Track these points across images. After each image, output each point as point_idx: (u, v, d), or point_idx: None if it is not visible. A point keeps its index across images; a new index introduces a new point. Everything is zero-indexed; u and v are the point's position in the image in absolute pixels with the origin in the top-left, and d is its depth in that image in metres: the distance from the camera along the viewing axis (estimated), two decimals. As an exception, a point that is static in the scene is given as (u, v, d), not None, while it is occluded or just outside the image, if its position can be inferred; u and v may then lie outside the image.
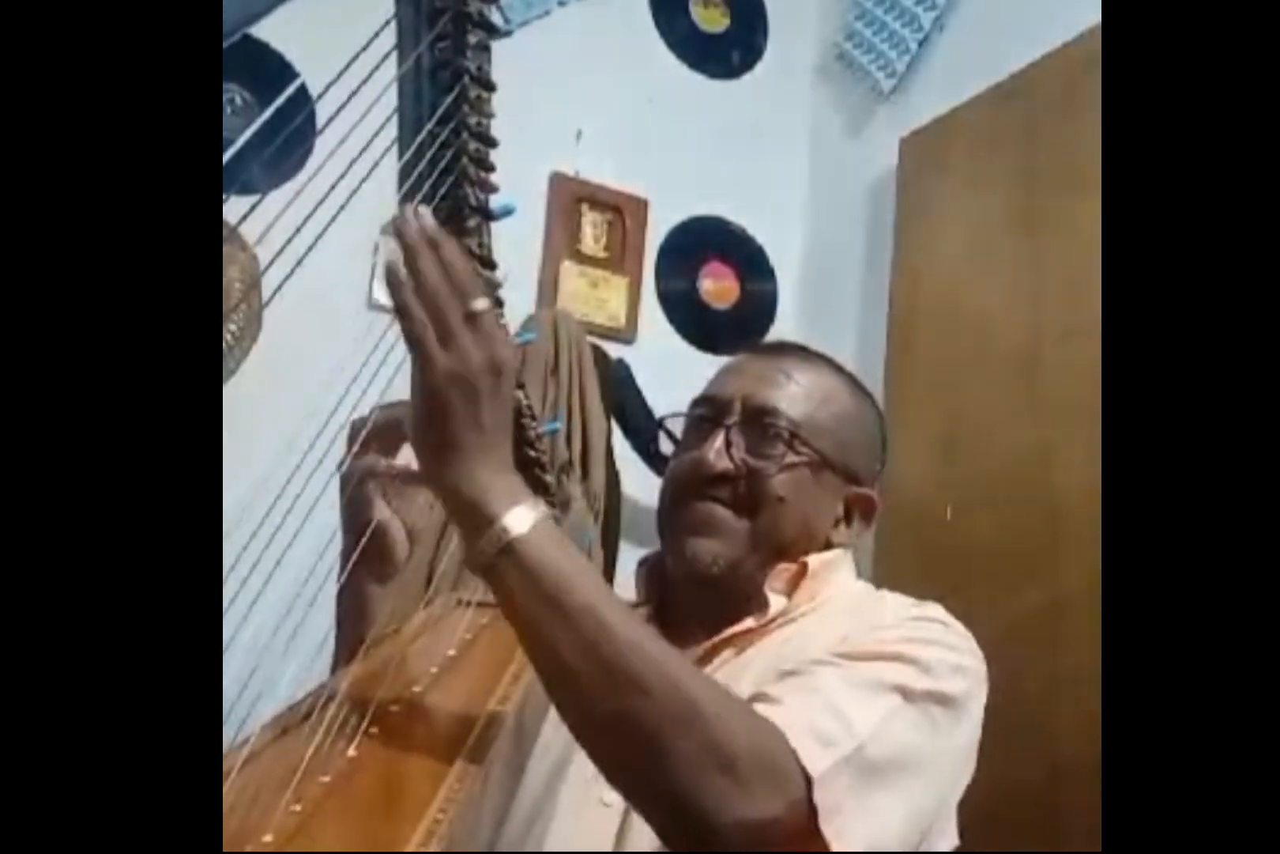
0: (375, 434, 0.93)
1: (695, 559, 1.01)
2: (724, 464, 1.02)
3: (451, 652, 0.96)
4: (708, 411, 1.06)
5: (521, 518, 0.74)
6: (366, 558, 0.93)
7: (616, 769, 0.77)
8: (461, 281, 0.74)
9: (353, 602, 0.99)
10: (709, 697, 0.76)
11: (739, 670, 0.97)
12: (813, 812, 0.77)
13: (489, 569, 0.75)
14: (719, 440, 1.03)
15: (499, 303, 0.85)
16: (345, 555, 0.96)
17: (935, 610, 0.99)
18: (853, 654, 0.89)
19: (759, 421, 1.04)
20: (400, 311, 0.73)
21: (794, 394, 1.05)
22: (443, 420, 0.74)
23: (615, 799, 0.88)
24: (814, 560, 1.03)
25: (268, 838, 0.66)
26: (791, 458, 1.03)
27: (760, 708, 0.81)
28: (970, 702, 0.92)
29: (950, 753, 0.90)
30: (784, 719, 0.79)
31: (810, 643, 0.95)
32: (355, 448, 0.92)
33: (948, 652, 0.92)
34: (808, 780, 0.77)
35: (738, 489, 1.02)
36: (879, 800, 0.82)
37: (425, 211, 0.75)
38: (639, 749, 0.74)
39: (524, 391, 0.99)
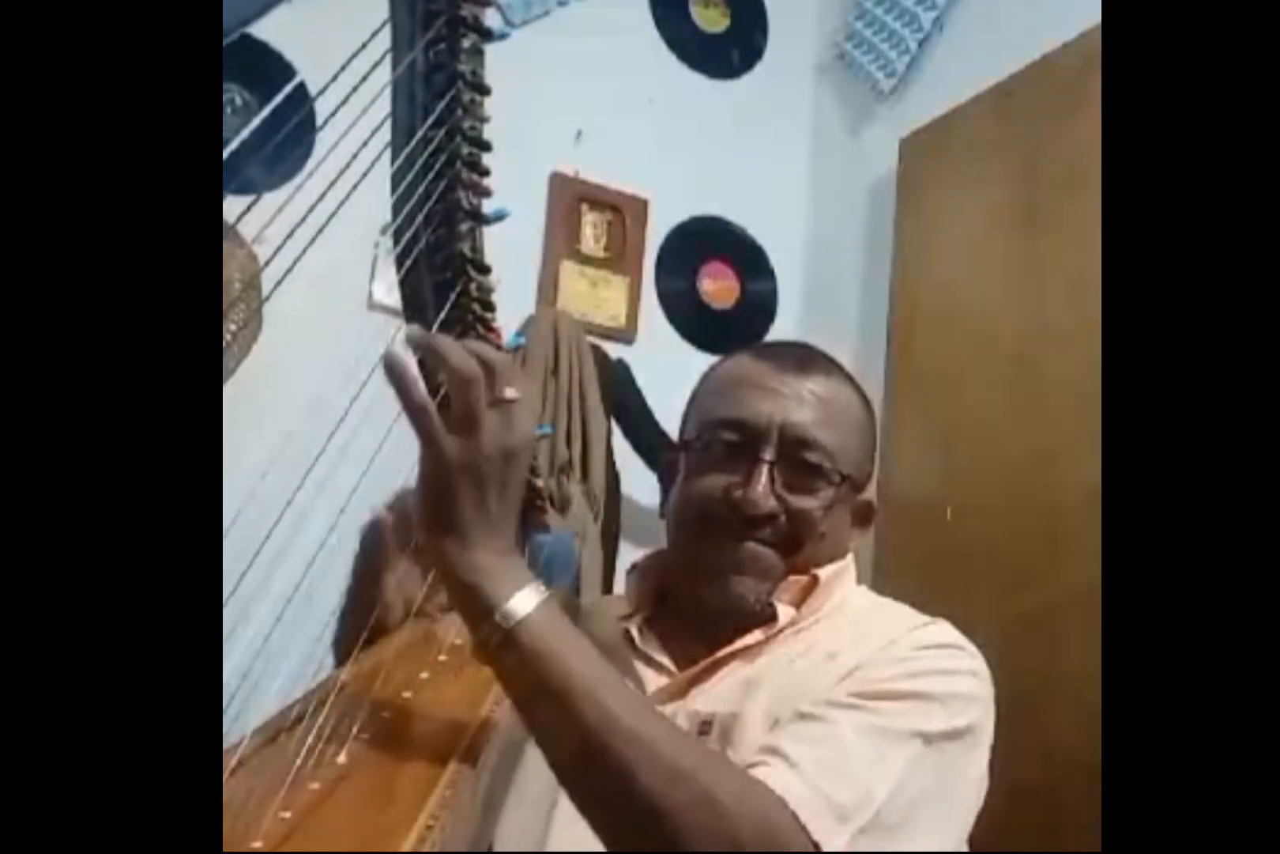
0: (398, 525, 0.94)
1: (741, 599, 1.01)
2: (770, 505, 1.01)
3: (442, 657, 0.95)
4: (741, 438, 1.03)
5: (522, 604, 0.74)
6: (355, 627, 0.93)
7: (620, 848, 0.77)
8: (495, 368, 0.73)
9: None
10: (715, 781, 0.76)
11: (750, 684, 0.97)
12: None
13: (492, 655, 0.75)
14: (763, 478, 1.01)
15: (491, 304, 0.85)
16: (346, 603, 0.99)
17: (946, 632, 0.99)
18: (870, 694, 0.89)
19: (799, 456, 1.02)
20: (404, 398, 0.71)
21: (827, 420, 1.04)
22: (449, 506, 0.73)
23: None
24: (824, 573, 1.03)
25: (257, 844, 0.65)
26: (831, 492, 1.03)
27: (774, 771, 0.81)
28: (984, 725, 0.94)
29: (969, 782, 0.92)
30: (796, 790, 0.79)
31: (823, 663, 0.96)
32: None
33: (960, 681, 0.93)
34: None
35: (779, 527, 1.02)
36: (905, 848, 0.84)
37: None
38: (644, 834, 0.75)
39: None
